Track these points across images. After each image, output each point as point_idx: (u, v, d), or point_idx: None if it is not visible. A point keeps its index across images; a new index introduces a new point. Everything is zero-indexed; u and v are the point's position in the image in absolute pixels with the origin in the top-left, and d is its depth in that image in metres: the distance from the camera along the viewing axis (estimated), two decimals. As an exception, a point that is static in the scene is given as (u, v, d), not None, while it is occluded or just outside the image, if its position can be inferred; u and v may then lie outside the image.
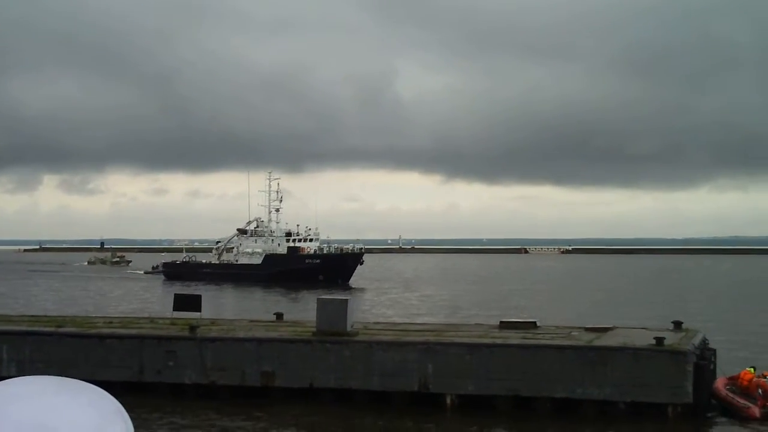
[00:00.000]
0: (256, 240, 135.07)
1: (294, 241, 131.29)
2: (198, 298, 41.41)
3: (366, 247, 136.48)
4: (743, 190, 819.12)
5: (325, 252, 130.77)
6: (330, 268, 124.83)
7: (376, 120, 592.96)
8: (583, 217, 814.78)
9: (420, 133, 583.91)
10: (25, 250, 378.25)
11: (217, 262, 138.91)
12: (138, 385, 35.47)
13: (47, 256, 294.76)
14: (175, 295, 43.21)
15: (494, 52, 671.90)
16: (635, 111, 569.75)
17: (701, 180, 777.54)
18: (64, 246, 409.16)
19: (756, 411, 31.28)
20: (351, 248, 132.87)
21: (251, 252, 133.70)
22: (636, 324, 42.21)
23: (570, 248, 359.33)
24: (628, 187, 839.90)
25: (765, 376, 33.02)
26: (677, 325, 37.43)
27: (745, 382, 33.05)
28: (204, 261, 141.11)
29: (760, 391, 32.11)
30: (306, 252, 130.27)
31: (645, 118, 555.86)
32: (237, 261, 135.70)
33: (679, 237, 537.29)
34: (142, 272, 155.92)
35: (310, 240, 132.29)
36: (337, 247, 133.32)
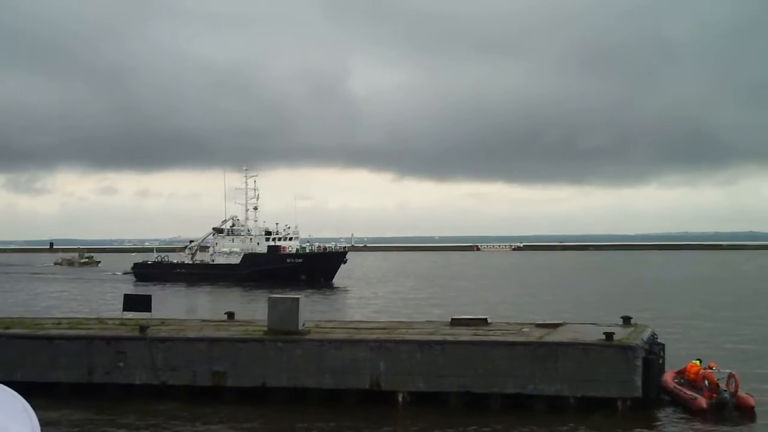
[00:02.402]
0: (233, 239, 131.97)
1: (274, 240, 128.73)
2: (148, 298, 41.02)
3: (321, 245, 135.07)
4: (691, 186, 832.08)
5: (307, 251, 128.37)
6: (312, 268, 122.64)
7: (327, 117, 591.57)
8: (535, 213, 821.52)
9: (371, 131, 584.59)
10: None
11: (191, 262, 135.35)
12: (87, 386, 35.17)
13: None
14: (124, 295, 42.85)
15: (445, 49, 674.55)
16: (583, 107, 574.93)
17: (649, 176, 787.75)
18: (12, 247, 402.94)
19: (703, 402, 31.75)
20: (333, 247, 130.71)
21: (228, 251, 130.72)
22: (586, 320, 42.58)
23: (521, 245, 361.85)
24: (578, 184, 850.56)
25: (711, 368, 33.57)
26: (626, 320, 37.88)
27: (692, 375, 33.61)
28: (175, 261, 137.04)
29: (706, 382, 32.63)
30: (287, 251, 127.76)
31: (593, 115, 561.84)
32: (213, 261, 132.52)
33: (630, 233, 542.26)
34: (120, 273, 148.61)
35: (290, 239, 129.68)
36: (320, 246, 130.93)
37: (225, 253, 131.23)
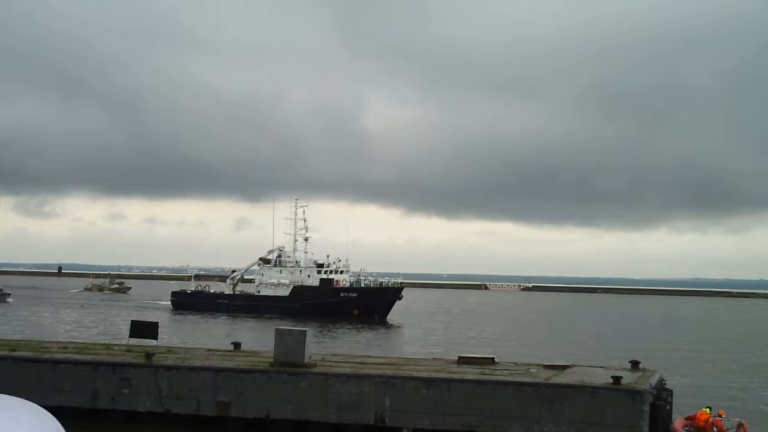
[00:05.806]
0: (281, 270, 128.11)
1: (326, 272, 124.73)
2: (155, 325, 40.88)
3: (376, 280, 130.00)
4: (701, 232, 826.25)
5: (362, 285, 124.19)
6: (367, 303, 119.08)
7: (339, 152, 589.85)
8: (544, 254, 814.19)
9: (382, 166, 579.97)
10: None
11: (232, 292, 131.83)
12: (91, 411, 34.98)
13: (4, 279, 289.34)
14: (131, 321, 42.67)
15: (461, 86, 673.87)
16: (596, 149, 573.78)
17: (659, 221, 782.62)
18: (21, 270, 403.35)
19: (711, 451, 31.38)
20: (388, 282, 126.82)
21: (276, 283, 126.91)
22: (594, 362, 42.27)
23: (530, 285, 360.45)
24: (588, 226, 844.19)
25: (721, 416, 33.23)
26: (635, 364, 37.56)
27: (701, 422, 33.22)
28: (212, 291, 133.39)
29: (715, 430, 32.29)
30: (340, 285, 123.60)
31: (607, 157, 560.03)
32: (259, 292, 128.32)
33: (640, 277, 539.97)
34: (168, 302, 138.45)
35: (341, 272, 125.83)
36: (375, 281, 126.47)
37: (272, 284, 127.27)
